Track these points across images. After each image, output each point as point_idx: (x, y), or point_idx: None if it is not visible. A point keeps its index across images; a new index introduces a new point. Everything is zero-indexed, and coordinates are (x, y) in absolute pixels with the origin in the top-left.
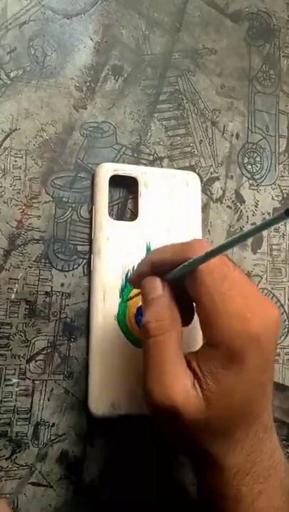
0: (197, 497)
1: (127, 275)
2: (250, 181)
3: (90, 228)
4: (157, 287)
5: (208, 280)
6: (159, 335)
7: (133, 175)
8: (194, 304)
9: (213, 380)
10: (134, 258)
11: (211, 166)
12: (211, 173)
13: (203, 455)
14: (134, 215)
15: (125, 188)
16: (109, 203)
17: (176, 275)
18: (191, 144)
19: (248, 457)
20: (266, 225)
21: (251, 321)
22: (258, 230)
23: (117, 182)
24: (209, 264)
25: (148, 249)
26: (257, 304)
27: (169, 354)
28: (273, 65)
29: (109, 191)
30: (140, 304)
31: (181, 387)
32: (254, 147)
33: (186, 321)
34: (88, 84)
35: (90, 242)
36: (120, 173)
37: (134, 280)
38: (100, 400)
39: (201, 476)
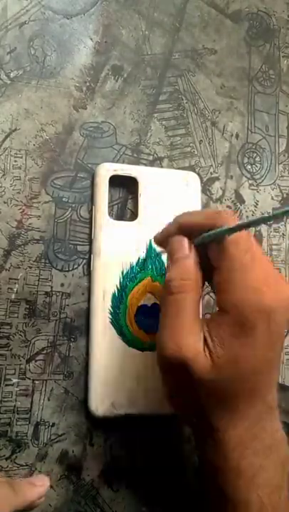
0: (199, 473)
1: (126, 275)
2: (250, 181)
3: (90, 228)
4: (185, 247)
5: (233, 249)
6: (180, 293)
7: (133, 175)
8: (214, 271)
9: (220, 345)
10: (133, 258)
11: (211, 166)
12: (211, 173)
13: (206, 423)
14: (134, 215)
15: (125, 188)
16: (109, 203)
17: (204, 240)
18: (191, 144)
19: (249, 431)
20: None
21: (266, 294)
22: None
23: (117, 182)
24: (236, 235)
25: (149, 247)
26: (273, 281)
27: (186, 312)
28: (273, 65)
29: (109, 191)
30: (141, 303)
31: (193, 344)
32: (254, 147)
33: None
34: (88, 84)
35: (90, 242)
36: (120, 173)
37: (160, 239)
38: (100, 400)
39: (203, 449)
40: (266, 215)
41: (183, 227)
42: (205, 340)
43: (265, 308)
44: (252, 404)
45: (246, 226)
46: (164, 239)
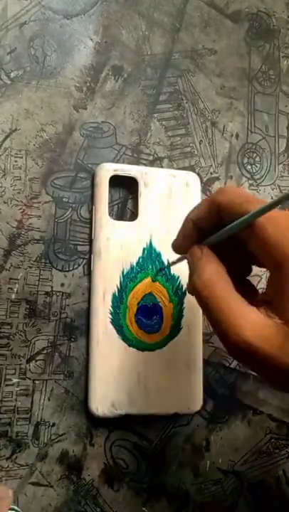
0: None
1: (127, 275)
2: (250, 181)
3: (90, 228)
4: (196, 252)
5: (276, 232)
6: (207, 288)
7: (133, 175)
8: (260, 260)
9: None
10: (134, 258)
11: (211, 166)
12: (211, 173)
13: None
14: (134, 215)
15: (125, 188)
16: (109, 203)
17: (225, 235)
18: (191, 144)
19: None
20: None
21: None
22: None
23: (117, 182)
24: (271, 216)
25: (149, 247)
26: None
27: (225, 299)
28: (273, 65)
29: (109, 191)
30: (141, 303)
31: (250, 323)
32: (254, 147)
33: (244, 273)
34: (88, 84)
35: (90, 242)
36: (120, 173)
37: (177, 244)
38: (101, 400)
39: None
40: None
41: (196, 225)
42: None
43: None
44: None
45: (275, 204)
46: (181, 243)
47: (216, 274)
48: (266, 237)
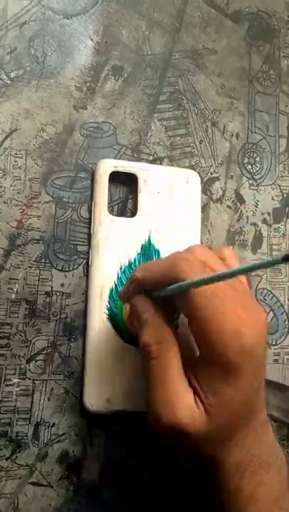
0: (198, 493)
1: (124, 271)
2: (250, 181)
3: (90, 227)
4: (149, 307)
5: (200, 300)
6: (160, 356)
7: (133, 171)
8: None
9: (212, 394)
10: (132, 254)
11: (211, 166)
12: (211, 173)
13: (206, 460)
14: (133, 213)
15: (126, 187)
16: (109, 203)
17: (164, 294)
18: (191, 144)
19: (247, 453)
20: (263, 266)
21: (245, 334)
22: (253, 269)
23: (118, 182)
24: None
25: (148, 244)
26: (248, 315)
27: (171, 375)
28: (273, 65)
29: (110, 191)
30: None
31: (185, 407)
32: (254, 147)
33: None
34: (88, 84)
35: (89, 237)
36: (120, 169)
37: (124, 297)
38: (95, 396)
39: (202, 475)
40: (229, 271)
41: (142, 285)
42: (196, 392)
43: (248, 349)
44: (247, 429)
45: (208, 282)
46: (127, 297)
47: (171, 343)
48: (196, 305)
